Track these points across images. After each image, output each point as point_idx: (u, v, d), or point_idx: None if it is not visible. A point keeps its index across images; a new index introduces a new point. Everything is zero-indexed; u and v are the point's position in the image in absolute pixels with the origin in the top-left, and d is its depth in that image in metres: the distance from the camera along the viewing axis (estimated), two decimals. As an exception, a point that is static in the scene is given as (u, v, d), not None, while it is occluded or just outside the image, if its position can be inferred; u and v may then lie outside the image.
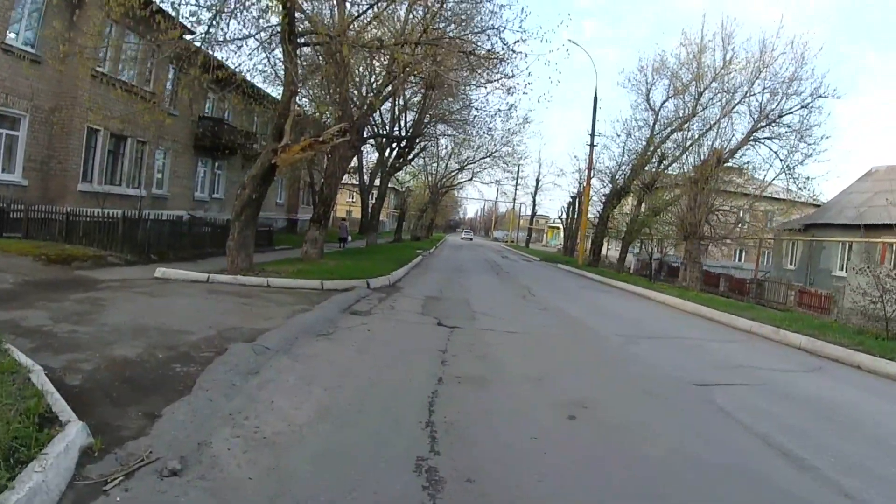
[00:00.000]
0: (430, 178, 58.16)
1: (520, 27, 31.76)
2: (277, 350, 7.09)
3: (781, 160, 26.77)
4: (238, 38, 14.87)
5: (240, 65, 19.80)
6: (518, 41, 15.79)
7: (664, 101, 34.13)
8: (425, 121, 30.62)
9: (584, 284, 23.46)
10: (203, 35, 13.67)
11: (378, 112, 32.48)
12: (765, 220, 29.60)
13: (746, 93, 28.25)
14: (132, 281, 12.28)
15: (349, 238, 37.01)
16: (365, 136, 23.32)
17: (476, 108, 28.42)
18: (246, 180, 14.74)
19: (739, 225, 27.91)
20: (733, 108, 28.27)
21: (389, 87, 21.60)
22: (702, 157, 27.64)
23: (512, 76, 17.36)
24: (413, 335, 8.99)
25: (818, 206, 32.44)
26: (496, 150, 49.26)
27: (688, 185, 25.37)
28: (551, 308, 14.04)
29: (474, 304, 13.27)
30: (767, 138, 27.50)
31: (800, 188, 26.94)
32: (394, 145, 34.96)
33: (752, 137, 27.34)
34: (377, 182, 38.72)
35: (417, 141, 33.76)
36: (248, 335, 7.62)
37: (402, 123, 33.89)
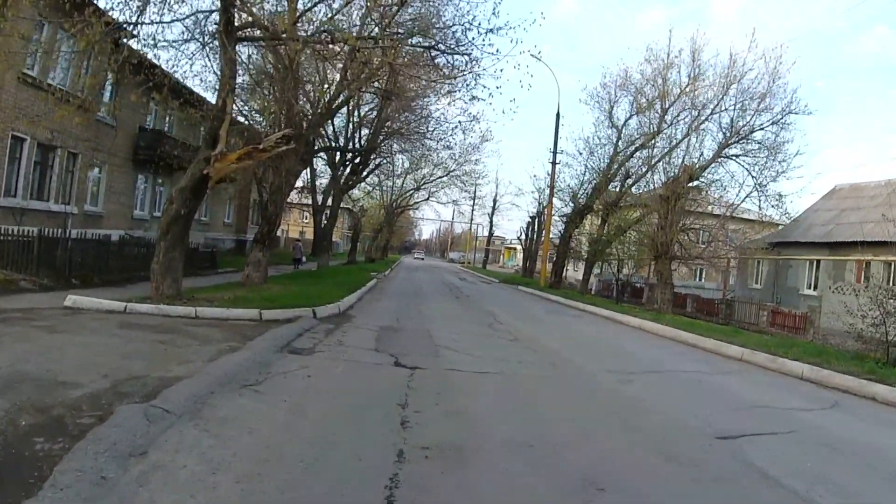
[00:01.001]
0: (385, 198, 56.51)
1: (488, 27, 29.94)
2: (181, 413, 5.24)
3: (754, 177, 25.78)
4: (178, 41, 13.46)
5: (180, 71, 18.17)
6: (489, 31, 14.00)
7: (628, 119, 33.31)
8: (381, 135, 28.81)
9: (550, 308, 21.95)
10: (133, 21, 12.07)
11: (332, 126, 30.84)
12: (739, 238, 28.48)
13: (714, 109, 27.36)
14: (36, 311, 10.33)
15: (304, 259, 35.78)
16: (316, 148, 21.47)
17: (436, 120, 26.63)
18: (173, 193, 12.93)
19: (712, 244, 26.68)
20: (701, 124, 27.34)
21: (343, 97, 19.90)
22: (668, 176, 26.54)
23: (476, 81, 15.83)
24: (364, 382, 7.24)
25: (779, 225, 31.59)
26: (454, 169, 48.12)
27: (658, 203, 24.07)
28: (523, 338, 12.40)
29: (436, 335, 11.57)
30: (738, 155, 26.56)
31: (773, 206, 25.95)
32: (347, 161, 33.21)
33: (722, 154, 26.32)
34: (331, 201, 36.72)
35: (372, 157, 32.00)
36: (151, 389, 5.78)
37: (357, 138, 32.16)
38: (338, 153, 33.19)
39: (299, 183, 43.61)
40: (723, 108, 26.96)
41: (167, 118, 28.32)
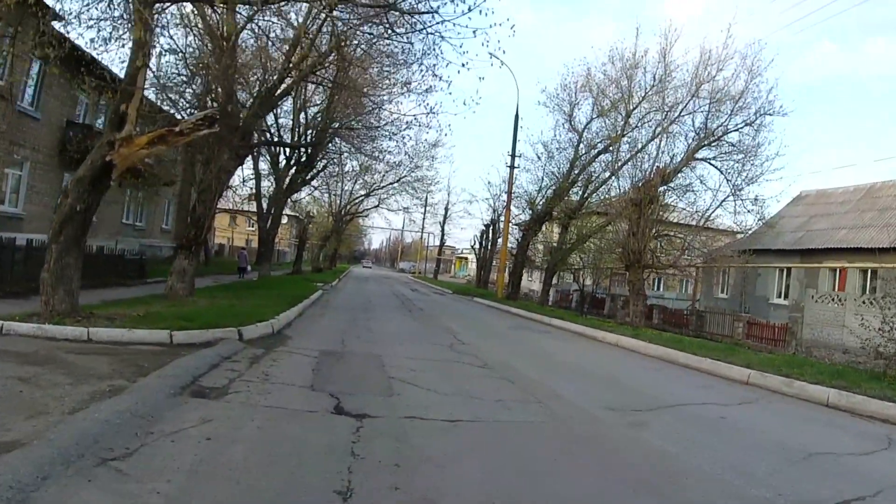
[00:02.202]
0: (333, 204, 54.11)
1: None
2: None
3: (729, 180, 24.23)
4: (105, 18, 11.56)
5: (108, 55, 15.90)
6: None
7: (589, 122, 32.07)
8: (329, 130, 26.33)
9: (514, 324, 19.94)
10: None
11: (275, 121, 28.46)
12: (706, 246, 26.90)
13: (683, 109, 25.84)
14: None
15: (249, 268, 33.98)
16: (253, 143, 19.07)
17: (389, 112, 23.88)
18: (69, 185, 10.60)
19: (686, 251, 25.03)
20: (670, 124, 25.73)
21: (285, 85, 17.61)
22: (635, 181, 24.88)
23: (437, 56, 13.85)
24: (289, 447, 4.96)
25: (740, 233, 30.12)
26: (405, 176, 46.29)
27: (629, 208, 22.30)
28: (494, 364, 10.31)
29: (390, 362, 9.38)
30: (712, 158, 25.00)
31: (748, 210, 24.44)
32: (292, 162, 30.71)
33: (695, 157, 24.71)
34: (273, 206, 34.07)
35: (319, 157, 29.56)
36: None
37: (302, 135, 29.66)
38: (280, 151, 30.77)
39: (243, 188, 41.11)
40: (695, 109, 25.51)
41: (99, 113, 25.74)
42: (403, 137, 24.63)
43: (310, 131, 28.86)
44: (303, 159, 29.36)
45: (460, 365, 10.00)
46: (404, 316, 18.97)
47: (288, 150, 30.78)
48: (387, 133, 24.57)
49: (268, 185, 36.37)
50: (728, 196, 24.17)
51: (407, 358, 10.03)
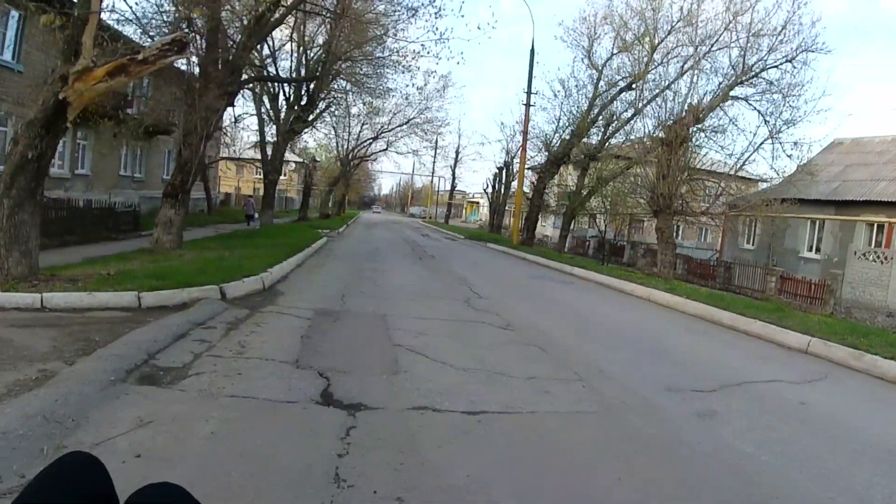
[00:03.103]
0: (340, 149, 52.28)
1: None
2: None
3: (767, 121, 22.23)
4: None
5: None
6: None
7: (610, 57, 29.92)
8: (332, 67, 24.35)
9: (533, 273, 18.45)
10: None
11: (273, 62, 26.65)
12: (743, 192, 25.15)
13: (713, 44, 23.71)
14: None
15: (256, 216, 33.13)
16: (244, 79, 17.36)
17: (395, 40, 21.59)
18: (19, 130, 9.08)
19: (720, 196, 23.28)
20: (701, 59, 23.62)
21: (280, 12, 15.82)
22: (660, 119, 23.10)
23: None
24: (246, 470, 3.50)
25: (771, 181, 28.16)
26: (414, 117, 44.51)
27: (659, 149, 20.58)
28: (517, 323, 8.89)
29: (395, 325, 7.96)
30: (749, 97, 22.86)
31: (788, 154, 22.59)
32: (291, 101, 28.80)
33: (730, 94, 22.68)
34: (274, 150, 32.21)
35: (321, 96, 27.63)
36: None
37: (303, 70, 27.66)
38: (279, 91, 28.88)
39: (246, 133, 39.33)
40: (730, 43, 23.37)
41: (91, 62, 24.11)
42: (411, 69, 22.60)
43: (310, 67, 26.76)
44: (303, 101, 27.50)
45: (479, 326, 8.55)
46: (414, 264, 17.53)
47: (287, 89, 28.97)
48: (392, 65, 22.52)
49: (272, 131, 34.70)
50: (766, 139, 22.19)
51: (416, 318, 8.60)
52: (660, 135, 21.78)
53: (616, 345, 8.30)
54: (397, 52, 19.80)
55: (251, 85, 27.66)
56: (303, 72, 27.53)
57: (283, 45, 28.02)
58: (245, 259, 12.42)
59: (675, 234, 44.58)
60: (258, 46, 23.82)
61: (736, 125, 23.53)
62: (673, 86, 24.67)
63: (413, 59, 19.77)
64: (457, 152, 64.81)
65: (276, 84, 28.82)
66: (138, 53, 9.04)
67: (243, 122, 49.56)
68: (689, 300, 12.78)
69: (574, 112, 31.12)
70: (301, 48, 26.96)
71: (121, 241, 17.48)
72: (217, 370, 5.30)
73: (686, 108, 21.58)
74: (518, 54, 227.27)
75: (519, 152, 41.32)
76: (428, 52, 18.55)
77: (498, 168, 48.09)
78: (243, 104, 34.57)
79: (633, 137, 27.99)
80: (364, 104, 34.26)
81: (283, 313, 8.21)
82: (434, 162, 67.51)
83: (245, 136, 47.93)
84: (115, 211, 20.30)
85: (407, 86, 27.13)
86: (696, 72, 23.11)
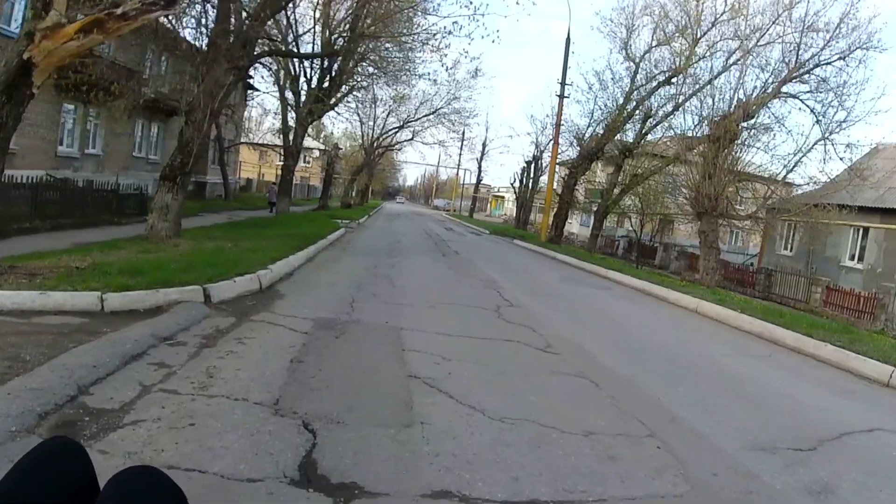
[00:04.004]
0: (364, 138, 50.88)
1: None
2: None
3: (819, 121, 20.44)
4: None
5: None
6: None
7: (648, 49, 28.43)
8: (356, 47, 22.70)
9: (565, 275, 16.88)
10: None
11: (295, 41, 25.15)
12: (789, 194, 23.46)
13: (759, 38, 22.00)
14: None
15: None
16: (258, 53, 15.87)
17: (424, 15, 20.27)
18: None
19: (769, 199, 21.61)
20: (748, 53, 21.88)
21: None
22: (702, 116, 21.54)
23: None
24: None
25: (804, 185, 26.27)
26: (441, 107, 43.21)
27: (706, 146, 18.95)
28: (558, 342, 7.37)
29: (412, 344, 6.45)
30: (801, 94, 21.13)
31: (840, 157, 20.83)
32: (312, 82, 27.26)
33: (781, 91, 20.93)
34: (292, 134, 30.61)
35: (343, 78, 26.01)
36: None
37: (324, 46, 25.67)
38: (300, 71, 27.33)
39: (271, 120, 37.83)
40: (782, 36, 21.65)
41: (65, 19, 22.88)
42: (440, 49, 20.94)
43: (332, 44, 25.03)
44: (325, 83, 25.89)
45: (514, 347, 7.02)
46: (437, 261, 16.03)
47: (309, 71, 27.50)
48: (420, 45, 20.78)
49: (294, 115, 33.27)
50: (819, 140, 20.43)
51: (438, 334, 7.09)
52: (705, 131, 20.16)
53: (678, 375, 6.73)
54: (426, 29, 18.07)
55: (270, 64, 26.24)
56: (322, 43, 25.85)
57: (306, 26, 26.67)
58: (247, 252, 11.00)
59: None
60: (278, 21, 22.42)
61: (783, 125, 21.64)
62: (715, 81, 23.28)
63: (443, 38, 18.12)
64: (483, 145, 63.28)
65: (296, 64, 27.34)
66: (117, 7, 7.62)
67: (265, 107, 48.43)
68: (744, 314, 11.19)
69: (609, 105, 29.66)
70: (323, 25, 25.34)
71: (122, 227, 16.31)
72: (164, 416, 3.84)
73: (735, 103, 19.92)
74: (548, 49, 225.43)
75: (549, 146, 39.88)
76: (460, 30, 16.90)
77: (526, 162, 46.40)
78: (265, 87, 33.13)
79: (671, 133, 26.60)
80: (390, 88, 32.61)
81: (276, 324, 6.73)
82: (460, 154, 65.81)
83: (269, 121, 46.75)
84: (120, 194, 18.98)
85: (436, 71, 25.25)
86: (744, 66, 21.43)
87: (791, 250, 31.23)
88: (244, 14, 14.48)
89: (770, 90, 20.49)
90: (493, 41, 23.61)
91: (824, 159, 21.26)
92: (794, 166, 20.53)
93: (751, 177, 21.84)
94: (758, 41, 22.12)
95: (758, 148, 20.93)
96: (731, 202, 20.76)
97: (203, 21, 14.22)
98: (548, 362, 6.47)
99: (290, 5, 21.21)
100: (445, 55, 28.51)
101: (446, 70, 19.16)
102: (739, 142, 20.06)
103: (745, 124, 19.92)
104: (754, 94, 20.43)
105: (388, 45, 22.42)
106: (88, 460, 1.70)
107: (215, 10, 13.70)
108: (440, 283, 11.85)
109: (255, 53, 15.14)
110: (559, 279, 15.64)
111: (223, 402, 4.21)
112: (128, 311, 6.55)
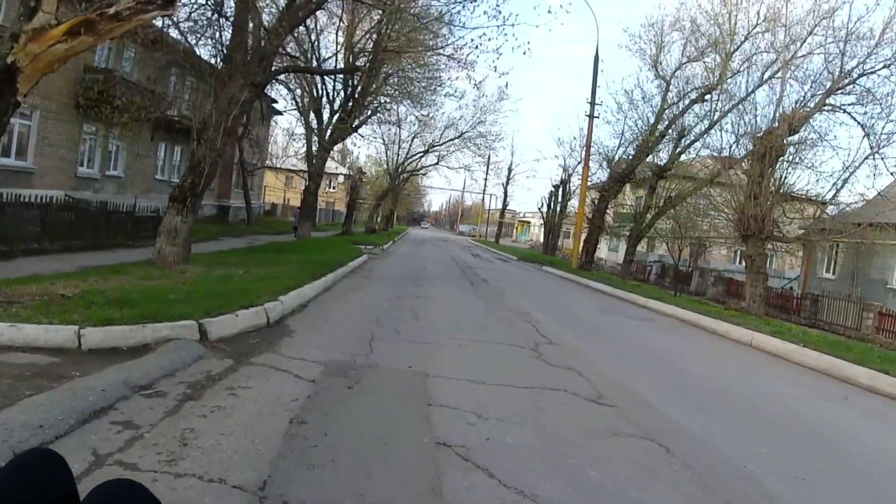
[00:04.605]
0: (389, 162, 50.18)
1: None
2: None
3: (868, 135, 19.12)
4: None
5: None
6: None
7: (678, 67, 27.26)
8: (380, 64, 21.78)
9: (603, 305, 15.73)
10: None
11: (315, 56, 24.37)
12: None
13: (796, 50, 20.82)
14: None
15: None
16: (275, 69, 14.98)
17: (450, 28, 18.83)
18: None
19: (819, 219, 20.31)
20: (786, 64, 20.71)
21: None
22: (739, 131, 20.41)
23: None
24: None
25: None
26: (467, 131, 42.63)
27: (751, 163, 17.76)
28: (609, 390, 6.26)
29: (440, 397, 5.39)
30: (847, 105, 19.80)
31: (891, 172, 19.45)
32: (335, 104, 26.43)
33: (826, 103, 19.67)
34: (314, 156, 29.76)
35: (368, 100, 25.14)
36: None
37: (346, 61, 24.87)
38: (322, 94, 26.49)
39: (295, 146, 37.20)
40: (823, 45, 20.41)
41: (124, 55, 22.76)
42: (467, 65, 19.92)
43: (356, 58, 24.06)
44: (348, 104, 25.00)
45: (560, 397, 5.91)
46: (465, 291, 14.95)
47: (331, 92, 26.68)
48: (446, 62, 19.71)
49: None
50: (868, 154, 19.11)
51: (471, 381, 6.02)
52: (743, 149, 19.02)
53: (755, 430, 5.60)
54: (453, 43, 17.03)
55: (289, 81, 25.46)
56: (344, 58, 25.07)
57: (329, 44, 26.03)
58: (258, 280, 10.04)
59: (735, 260, 41.77)
60: (298, 38, 21.69)
61: (825, 140, 20.22)
62: (752, 96, 22.31)
63: (470, 52, 17.14)
64: (509, 169, 62.14)
65: (318, 85, 26.52)
66: (110, 6, 6.74)
67: (291, 131, 48.13)
68: (808, 349, 10.05)
69: (640, 125, 28.59)
70: (346, 43, 24.51)
71: (135, 250, 15.54)
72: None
73: (778, 117, 18.72)
74: (568, 73, 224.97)
75: (577, 168, 38.86)
76: (489, 42, 15.86)
77: (554, 186, 45.33)
78: (287, 110, 32.43)
79: (706, 153, 25.50)
80: (413, 107, 31.77)
81: (280, 368, 5.70)
82: (486, 178, 64.71)
83: (294, 146, 46.37)
84: (136, 216, 18.19)
85: (463, 90, 24.27)
86: (784, 78, 20.27)
87: (833, 273, 29.81)
88: (262, 29, 13.65)
89: (814, 103, 19.27)
90: (524, 52, 22.36)
91: (874, 174, 19.91)
92: (843, 184, 19.20)
93: (798, 196, 20.51)
94: (795, 52, 20.99)
95: (805, 166, 19.62)
96: (777, 223, 19.50)
97: (218, 35, 13.40)
98: (604, 419, 5.37)
99: (312, 19, 20.50)
100: (473, 69, 27.67)
101: (474, 86, 18.01)
102: (784, 158, 18.82)
103: (790, 139, 18.69)
104: (799, 107, 19.23)
105: (412, 62, 21.55)
106: (69, 471, 1.67)
107: (230, 24, 12.90)
108: (469, 316, 10.77)
109: (273, 69, 14.28)
110: (596, 310, 14.51)
111: (192, 484, 3.20)
112: (108, 349, 5.64)
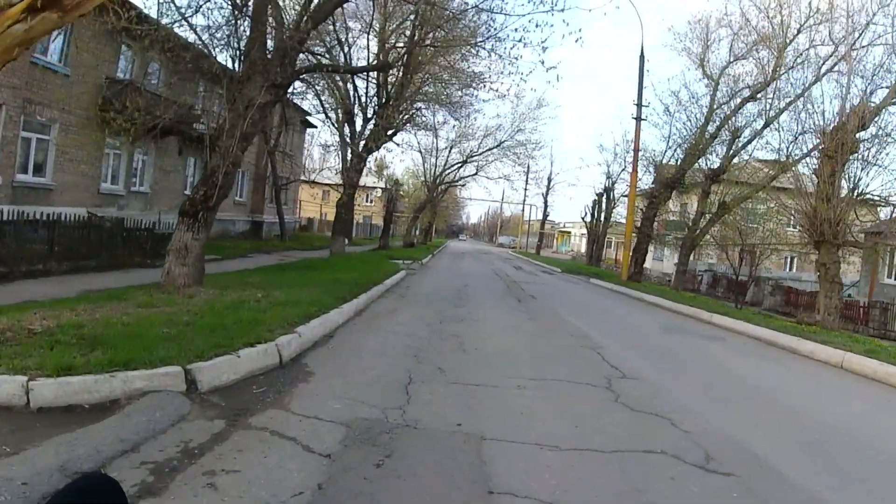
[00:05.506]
0: (427, 174, 48.98)
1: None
2: None
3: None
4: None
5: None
6: None
7: (726, 65, 26.08)
8: (416, 62, 20.39)
9: (666, 323, 14.08)
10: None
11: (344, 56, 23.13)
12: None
13: (854, 41, 19.09)
14: None
15: (345, 241, 29.79)
16: (300, 68, 13.54)
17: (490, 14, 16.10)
18: None
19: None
20: (844, 56, 18.98)
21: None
22: (795, 132, 18.80)
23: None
24: None
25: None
26: (505, 140, 41.63)
27: (821, 161, 16.06)
28: (718, 449, 4.74)
29: (501, 468, 3.95)
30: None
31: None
32: (368, 112, 25.04)
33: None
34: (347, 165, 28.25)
35: (403, 106, 23.68)
36: None
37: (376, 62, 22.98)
38: (354, 101, 25.10)
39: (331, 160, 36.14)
40: (885, 35, 18.70)
41: (149, 66, 21.89)
42: (511, 61, 18.47)
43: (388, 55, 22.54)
44: (383, 109, 23.62)
45: (660, 464, 4.36)
46: (513, 311, 13.38)
47: (363, 98, 25.34)
48: (486, 57, 18.13)
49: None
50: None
51: (540, 447, 4.49)
52: (803, 148, 17.39)
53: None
54: (494, 35, 15.46)
55: (315, 82, 24.20)
56: (376, 58, 23.63)
57: (359, 45, 24.88)
58: (277, 306, 8.63)
59: (789, 267, 39.81)
60: (324, 38, 20.52)
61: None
62: (807, 92, 20.85)
63: (514, 45, 15.79)
64: (549, 179, 60.53)
65: (349, 90, 25.20)
66: (76, -26, 5.42)
67: (327, 143, 47.43)
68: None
69: (688, 127, 27.11)
70: (379, 40, 23.12)
71: (153, 270, 14.36)
72: None
73: (848, 110, 16.91)
74: (601, 79, 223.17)
75: (622, 174, 37.31)
76: (535, 29, 14.24)
77: (597, 194, 43.67)
78: (312, 110, 31.28)
79: (759, 154, 24.01)
80: (451, 113, 30.44)
81: (284, 435, 4.21)
82: (526, 188, 63.13)
83: (328, 161, 45.58)
84: (155, 233, 16.98)
85: (502, 95, 22.66)
86: (850, 69, 18.46)
87: (895, 278, 27.95)
88: (284, 25, 12.36)
89: (878, 97, 17.46)
90: (576, 40, 20.26)
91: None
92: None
93: (874, 198, 18.63)
94: (854, 43, 19.28)
95: (879, 165, 17.77)
96: (849, 227, 17.74)
97: (234, 31, 12.10)
98: (726, 498, 3.86)
99: (340, 13, 19.26)
100: (516, 65, 26.38)
101: (521, 79, 16.13)
102: (857, 156, 17.04)
103: (860, 135, 16.90)
104: (866, 101, 17.42)
105: (448, 63, 20.25)
106: (124, 497, 1.68)
107: (249, 18, 11.65)
108: (523, 344, 9.21)
109: (296, 69, 12.96)
110: (660, 329, 12.89)
111: None
112: (64, 407, 4.32)
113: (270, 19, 11.89)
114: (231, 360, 5.46)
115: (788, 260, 43.19)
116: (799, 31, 22.79)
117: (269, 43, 11.91)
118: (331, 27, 21.49)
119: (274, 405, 4.88)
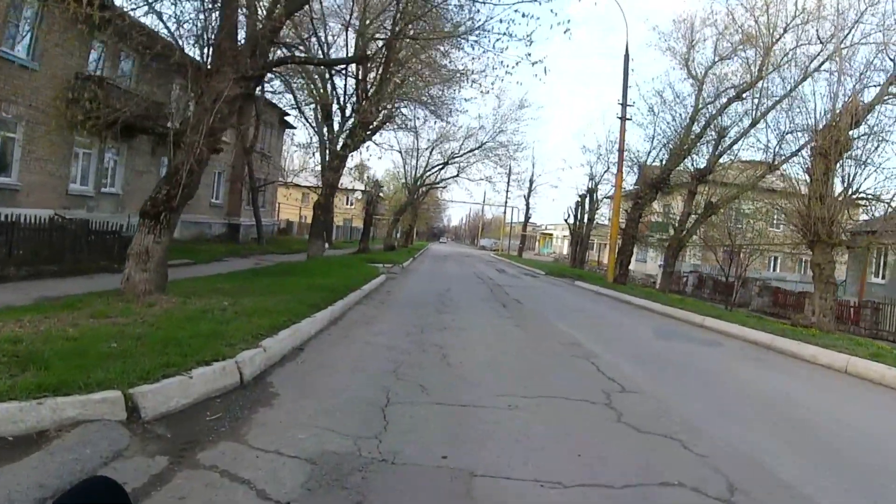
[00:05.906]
0: (407, 176, 48.40)
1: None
2: None
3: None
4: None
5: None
6: None
7: (711, 65, 25.92)
8: (395, 56, 19.77)
9: (658, 327, 13.53)
10: None
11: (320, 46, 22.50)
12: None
13: (842, 40, 18.85)
14: None
15: (326, 245, 29.34)
16: (271, 60, 12.78)
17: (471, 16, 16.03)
18: None
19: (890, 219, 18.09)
20: (833, 55, 18.72)
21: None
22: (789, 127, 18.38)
23: None
24: None
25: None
26: (487, 141, 41.30)
27: (814, 159, 15.62)
28: (734, 471, 4.19)
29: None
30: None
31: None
32: (346, 110, 24.38)
33: (888, 92, 17.40)
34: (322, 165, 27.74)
35: (383, 104, 22.98)
36: None
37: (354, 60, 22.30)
38: (332, 98, 24.38)
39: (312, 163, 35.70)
40: (876, 31, 18.47)
41: (121, 62, 21.44)
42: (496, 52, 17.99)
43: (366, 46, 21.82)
44: (362, 106, 23.01)
45: (676, 498, 3.78)
46: (499, 317, 12.75)
47: (342, 96, 24.68)
48: (469, 49, 17.76)
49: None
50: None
51: (540, 484, 3.83)
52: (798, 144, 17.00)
53: None
54: (481, 26, 14.83)
55: (288, 75, 23.60)
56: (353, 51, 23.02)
57: (338, 38, 24.33)
58: (243, 316, 7.90)
59: (772, 269, 39.61)
60: (298, 28, 19.89)
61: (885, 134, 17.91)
62: (795, 91, 20.99)
63: (498, 39, 15.23)
64: (531, 181, 60.17)
65: (328, 88, 24.53)
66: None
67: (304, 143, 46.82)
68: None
69: (674, 128, 26.87)
70: (358, 30, 22.40)
71: (120, 274, 13.55)
72: None
73: (840, 107, 16.46)
74: (587, 83, 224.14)
75: (605, 176, 36.97)
76: (524, 18, 13.61)
77: (580, 196, 43.29)
78: (284, 104, 30.66)
79: (745, 154, 23.84)
80: (432, 113, 29.94)
81: (237, 477, 3.51)
82: (507, 190, 62.67)
83: (307, 160, 44.92)
84: (123, 236, 16.19)
85: (485, 91, 22.23)
86: (841, 69, 18.07)
87: (883, 277, 27.73)
88: (256, 14, 11.65)
89: (868, 95, 17.08)
90: (565, 31, 19.29)
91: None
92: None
93: (868, 197, 18.18)
94: (843, 40, 19.06)
95: (870, 163, 17.35)
96: (841, 226, 17.32)
97: (204, 21, 11.38)
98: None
99: (318, 7, 18.68)
100: (500, 58, 26.10)
101: (507, 72, 15.62)
102: (850, 154, 16.61)
103: (852, 133, 16.47)
104: (857, 98, 16.99)
105: (429, 55, 19.73)
106: (128, 498, 1.71)
107: (219, 10, 10.92)
108: (512, 354, 8.55)
109: (269, 61, 12.26)
110: (653, 334, 12.31)
111: None
112: (-23, 443, 3.60)
113: (242, 6, 11.20)
114: (182, 381, 4.75)
115: (772, 260, 43.05)
116: (786, 31, 22.69)
117: (241, 33, 11.25)
118: (308, 23, 20.86)
119: (228, 436, 4.18)
